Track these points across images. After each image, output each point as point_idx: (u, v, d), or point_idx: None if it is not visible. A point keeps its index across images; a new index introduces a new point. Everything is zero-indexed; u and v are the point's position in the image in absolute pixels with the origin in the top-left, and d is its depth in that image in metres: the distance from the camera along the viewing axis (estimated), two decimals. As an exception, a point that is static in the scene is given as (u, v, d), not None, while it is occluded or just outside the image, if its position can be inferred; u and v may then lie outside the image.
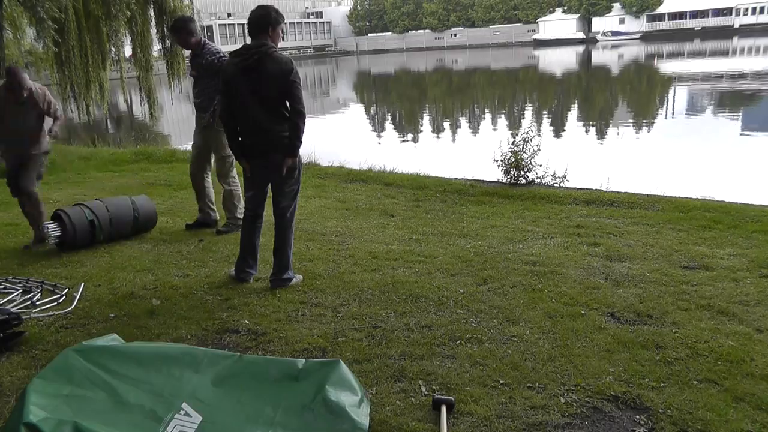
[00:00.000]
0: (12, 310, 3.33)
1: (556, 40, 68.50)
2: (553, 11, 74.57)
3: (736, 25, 62.67)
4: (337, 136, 16.28)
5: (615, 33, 67.92)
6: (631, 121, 16.48)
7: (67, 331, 3.26)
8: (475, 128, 16.86)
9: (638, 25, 68.17)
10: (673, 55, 44.26)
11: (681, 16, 66.95)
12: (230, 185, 5.18)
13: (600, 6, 70.68)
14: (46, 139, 4.81)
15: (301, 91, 3.57)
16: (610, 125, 15.90)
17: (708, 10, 65.35)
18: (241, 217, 5.17)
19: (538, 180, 7.09)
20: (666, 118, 16.69)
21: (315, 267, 4.21)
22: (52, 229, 4.61)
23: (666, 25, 67.16)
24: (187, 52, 7.77)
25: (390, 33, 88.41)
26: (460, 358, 2.87)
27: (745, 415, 2.39)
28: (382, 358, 2.88)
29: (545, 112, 19.54)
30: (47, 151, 4.95)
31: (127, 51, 14.13)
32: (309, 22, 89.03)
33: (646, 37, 64.37)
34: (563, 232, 5.09)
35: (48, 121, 4.74)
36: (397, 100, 27.68)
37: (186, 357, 2.48)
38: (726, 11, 64.54)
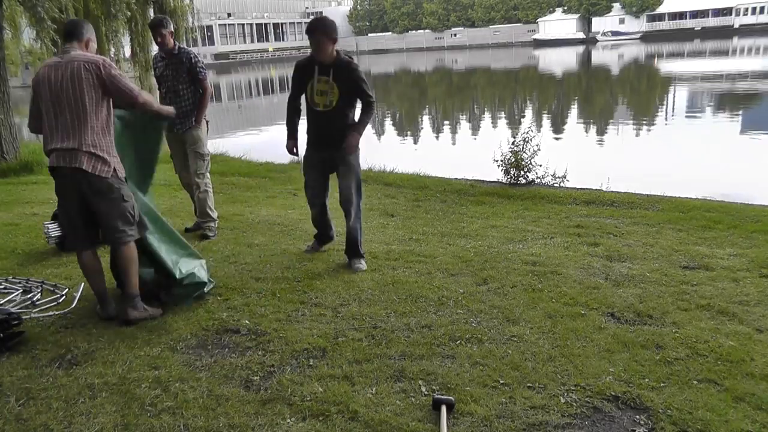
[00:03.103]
0: (12, 310, 3.33)
1: (556, 40, 68.46)
2: (553, 11, 74.53)
3: (736, 25, 62.65)
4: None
5: (615, 33, 67.87)
6: (631, 121, 16.48)
7: (67, 331, 3.26)
8: (475, 128, 16.85)
9: (638, 25, 68.15)
10: (673, 55, 44.26)
11: (681, 16, 66.93)
12: (207, 186, 5.09)
13: (600, 6, 70.67)
14: None
15: None
16: (610, 125, 15.89)
17: (708, 10, 65.33)
18: (216, 218, 5.12)
19: (538, 180, 7.10)
20: (666, 118, 16.69)
21: (315, 267, 4.21)
22: (52, 229, 4.61)
23: (666, 25, 67.14)
24: None
25: (390, 33, 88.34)
26: (460, 358, 2.87)
27: (745, 415, 2.39)
28: (382, 358, 2.88)
29: (545, 112, 19.54)
30: None
31: (127, 51, 14.15)
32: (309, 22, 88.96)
33: (646, 37, 64.34)
34: (563, 232, 5.09)
35: None
36: (397, 100, 27.65)
37: None
38: (726, 11, 64.52)
